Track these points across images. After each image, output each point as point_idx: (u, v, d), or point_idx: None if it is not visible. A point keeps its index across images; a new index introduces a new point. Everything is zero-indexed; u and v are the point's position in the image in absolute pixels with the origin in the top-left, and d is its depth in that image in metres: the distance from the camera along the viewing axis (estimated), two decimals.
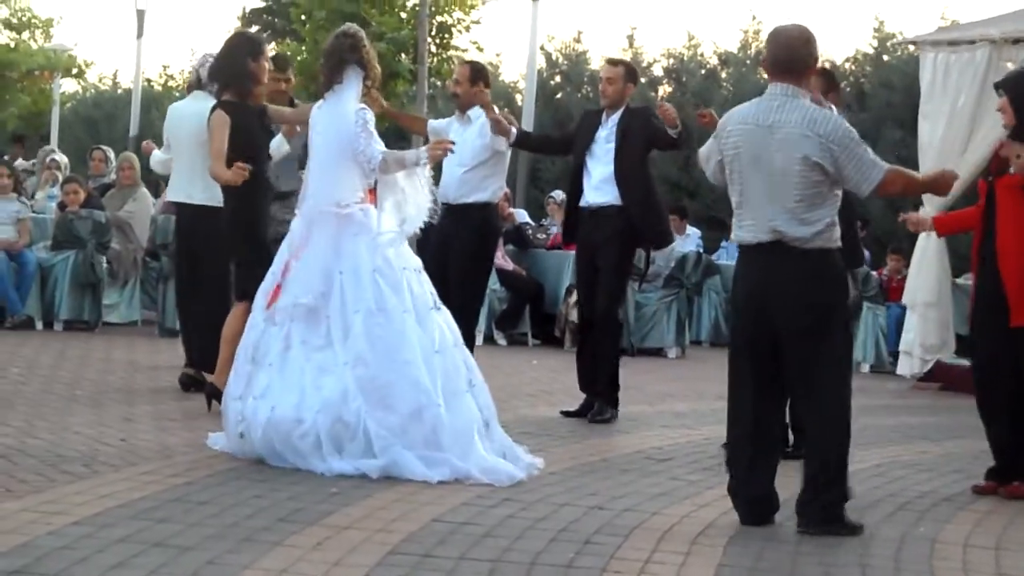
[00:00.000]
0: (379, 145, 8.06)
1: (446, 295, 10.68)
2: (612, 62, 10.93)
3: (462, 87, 10.69)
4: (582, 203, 10.44)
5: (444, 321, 7.93)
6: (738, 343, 6.92)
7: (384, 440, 7.46)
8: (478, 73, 10.81)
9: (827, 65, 26.47)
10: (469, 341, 10.98)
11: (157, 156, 11.36)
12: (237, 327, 9.08)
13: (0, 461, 7.20)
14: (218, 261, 10.45)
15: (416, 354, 7.65)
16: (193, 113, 10.45)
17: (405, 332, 7.69)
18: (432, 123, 11.23)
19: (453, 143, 8.73)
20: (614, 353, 10.41)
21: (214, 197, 10.13)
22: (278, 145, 10.17)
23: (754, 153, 6.64)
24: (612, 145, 10.29)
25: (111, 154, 17.19)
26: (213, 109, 9.41)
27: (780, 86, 6.69)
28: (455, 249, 10.53)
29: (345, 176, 8.07)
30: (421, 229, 8.31)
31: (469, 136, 10.44)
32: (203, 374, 10.24)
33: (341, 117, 8.12)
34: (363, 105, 8.15)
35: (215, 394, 9.03)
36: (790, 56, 6.70)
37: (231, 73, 9.43)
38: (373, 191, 8.17)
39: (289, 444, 7.51)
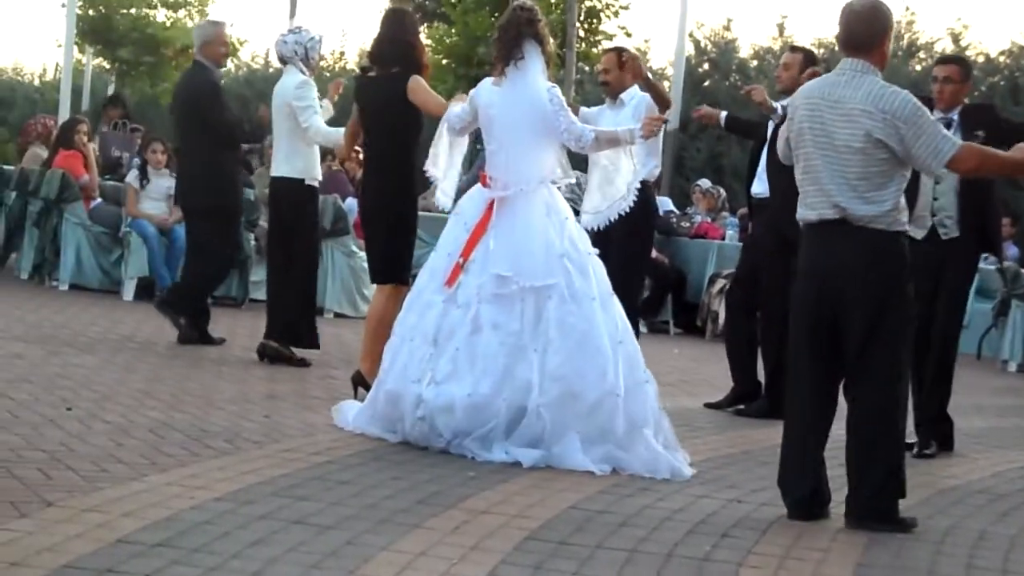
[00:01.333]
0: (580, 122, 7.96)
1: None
2: (792, 48, 10.95)
3: (612, 74, 10.72)
4: (752, 191, 10.52)
5: (620, 309, 7.84)
6: (799, 324, 6.70)
7: (560, 428, 7.39)
8: (622, 56, 10.85)
9: (980, 59, 26.04)
10: (635, 326, 11.07)
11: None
12: (384, 312, 9.07)
13: (148, 435, 7.33)
14: (308, 236, 10.64)
15: (605, 342, 7.57)
16: (280, 88, 10.66)
17: (594, 319, 7.61)
18: (584, 111, 11.23)
19: (667, 120, 8.61)
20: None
21: (296, 170, 10.42)
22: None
23: (818, 129, 6.51)
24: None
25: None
26: (395, 81, 9.13)
27: (850, 61, 6.54)
28: (614, 230, 10.59)
29: (539, 155, 7.94)
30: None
31: (623, 119, 10.42)
32: (289, 347, 10.46)
33: (530, 94, 7.95)
34: (553, 83, 8.04)
35: (362, 381, 8.98)
36: (860, 31, 6.56)
37: (400, 47, 9.23)
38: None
39: (470, 430, 7.43)
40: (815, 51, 11.39)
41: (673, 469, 7.46)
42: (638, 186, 8.33)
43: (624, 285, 10.78)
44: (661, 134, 10.77)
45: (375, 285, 9.55)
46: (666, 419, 7.80)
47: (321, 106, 10.66)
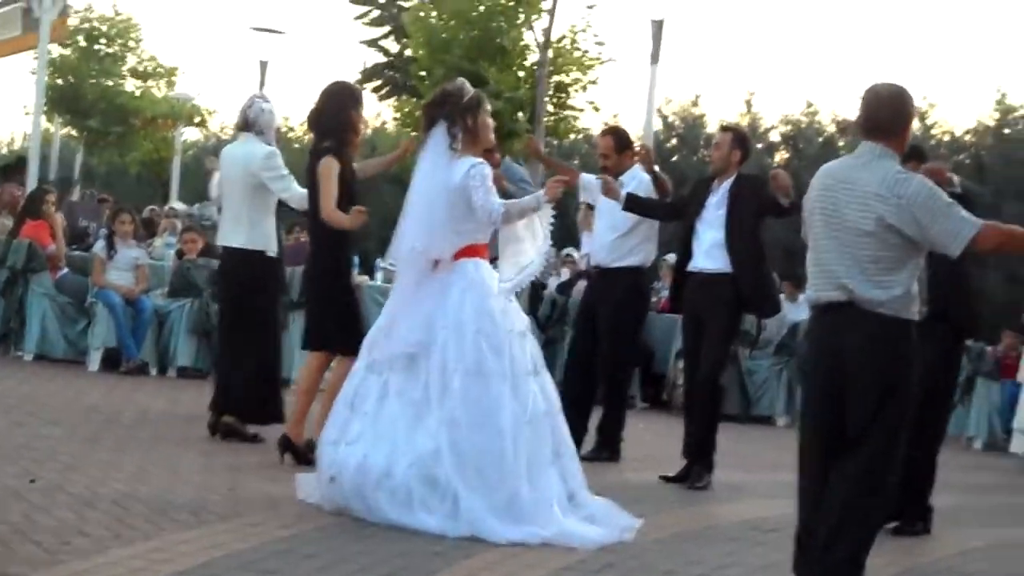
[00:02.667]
0: (495, 198, 8.05)
1: (593, 356, 10.93)
2: (723, 128, 11.01)
3: (611, 159, 10.92)
4: (690, 267, 10.43)
5: (540, 387, 7.87)
6: (806, 409, 6.67)
7: (470, 503, 7.43)
8: (622, 141, 11.03)
9: (947, 137, 26.31)
10: (621, 404, 11.15)
11: (215, 179, 11.23)
12: (312, 379, 9.33)
13: (112, 507, 7.28)
14: (264, 307, 10.53)
15: (507, 424, 7.62)
16: (239, 156, 10.40)
17: (500, 399, 7.67)
18: (584, 176, 11.36)
19: (568, 180, 8.67)
20: (713, 419, 10.36)
21: (257, 241, 10.29)
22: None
23: (830, 210, 6.45)
24: (723, 211, 10.27)
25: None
26: (315, 155, 9.42)
27: (869, 145, 6.49)
28: (605, 313, 10.79)
29: (448, 230, 8.00)
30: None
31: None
32: (243, 424, 10.31)
33: (439, 171, 8.05)
34: (480, 160, 8.15)
35: (288, 445, 9.22)
36: (884, 116, 6.52)
37: (334, 120, 9.45)
38: (484, 246, 8.16)
39: (378, 494, 7.52)
40: (744, 130, 11.49)
41: (594, 539, 7.47)
42: (546, 253, 8.26)
43: (613, 366, 10.98)
44: (657, 224, 10.97)
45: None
46: (583, 495, 7.83)
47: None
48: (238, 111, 10.66)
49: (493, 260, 8.18)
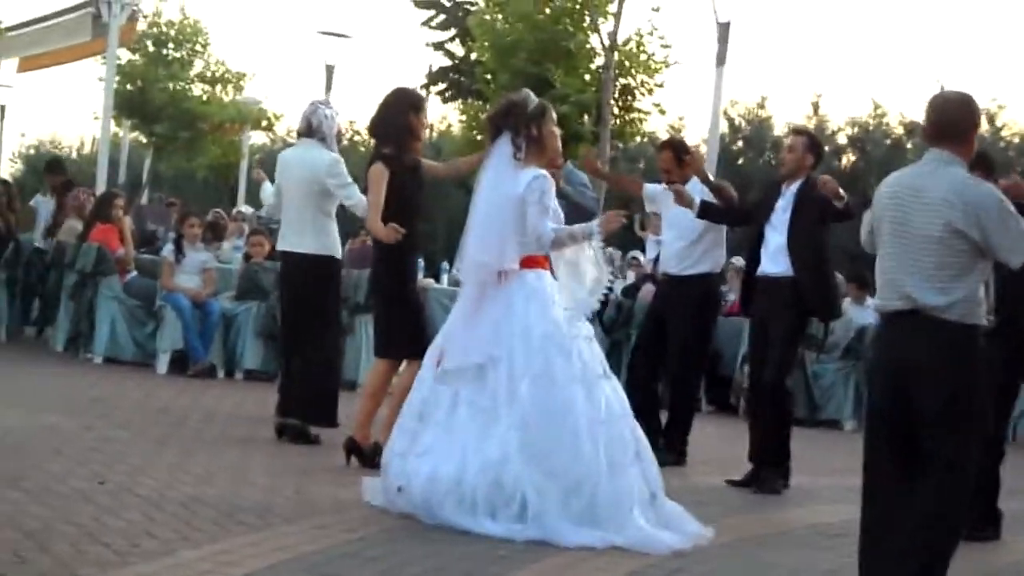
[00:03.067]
0: (549, 220, 8.03)
1: (659, 361, 10.92)
2: (795, 130, 10.95)
3: (672, 173, 10.90)
4: (758, 272, 10.40)
5: (612, 389, 7.88)
6: (873, 416, 6.58)
7: (539, 507, 7.43)
8: (680, 152, 11.00)
9: (1016, 139, 26.08)
10: (689, 408, 11.15)
11: (267, 189, 11.19)
12: (379, 383, 9.34)
13: (180, 509, 7.33)
14: (328, 310, 10.55)
15: (580, 423, 7.62)
16: (302, 161, 10.43)
17: (571, 400, 7.66)
18: (648, 187, 11.40)
19: (626, 215, 8.64)
20: (783, 423, 10.31)
21: (323, 246, 10.33)
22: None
23: (898, 218, 6.40)
24: (788, 215, 10.23)
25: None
26: (371, 162, 9.48)
27: (936, 152, 6.44)
28: (675, 320, 10.79)
29: (511, 240, 8.02)
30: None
31: (684, 211, 10.55)
32: (305, 424, 10.32)
33: (501, 182, 8.08)
34: (542, 172, 8.12)
35: (355, 448, 9.25)
36: (947, 122, 6.47)
37: (392, 127, 9.49)
38: (546, 256, 8.15)
39: (446, 502, 7.52)
40: (814, 133, 11.40)
41: (669, 544, 7.46)
42: (607, 286, 8.24)
43: (682, 371, 10.98)
44: (725, 230, 10.95)
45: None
46: (661, 498, 7.80)
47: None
48: (300, 116, 10.71)
49: None
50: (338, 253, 10.56)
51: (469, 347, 7.87)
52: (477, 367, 7.80)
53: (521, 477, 7.48)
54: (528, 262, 8.03)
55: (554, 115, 8.34)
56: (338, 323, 10.91)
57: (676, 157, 11.04)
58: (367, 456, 9.16)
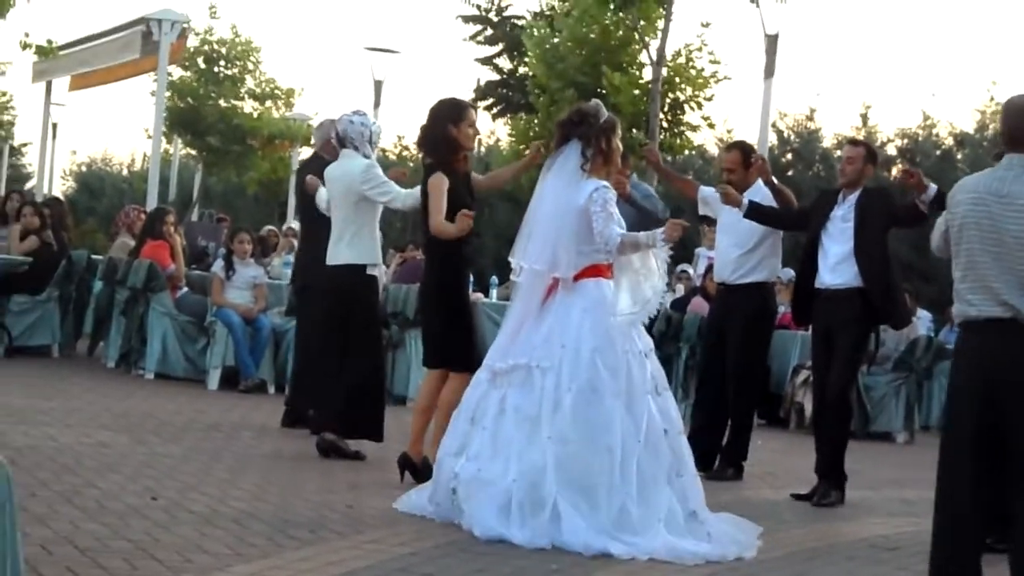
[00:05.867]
0: (615, 226, 8.06)
1: (722, 374, 10.90)
2: (853, 142, 10.95)
3: (736, 173, 10.90)
4: (817, 283, 10.30)
5: (661, 407, 7.86)
6: (957, 426, 6.45)
7: (571, 523, 7.43)
8: (748, 155, 11.00)
9: None
10: (748, 422, 11.11)
11: (322, 193, 11.15)
12: (432, 397, 9.28)
13: (231, 524, 7.36)
14: (372, 323, 10.54)
15: (616, 440, 7.62)
16: (343, 173, 10.43)
17: (611, 417, 7.67)
18: (703, 190, 11.40)
19: (689, 225, 8.63)
20: (842, 437, 10.27)
21: (359, 256, 10.33)
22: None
23: (984, 224, 6.28)
24: (850, 224, 10.16)
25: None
26: (430, 172, 9.45)
27: (1017, 157, 6.34)
28: (733, 329, 10.77)
29: (569, 249, 8.04)
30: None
31: (743, 217, 10.54)
32: (344, 440, 10.28)
33: (567, 188, 8.11)
34: (605, 183, 8.15)
35: (408, 463, 9.21)
36: (1022, 126, 6.39)
37: (434, 139, 9.47)
38: (608, 265, 8.16)
39: (483, 502, 7.56)
40: (871, 144, 11.34)
41: (702, 556, 7.43)
42: (664, 290, 8.24)
43: (741, 382, 10.97)
44: (781, 234, 10.92)
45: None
46: (704, 514, 7.78)
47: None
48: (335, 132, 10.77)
49: None
50: (375, 263, 10.53)
51: (515, 349, 7.92)
52: (526, 371, 7.82)
53: (555, 491, 7.50)
54: (590, 271, 8.05)
55: (620, 131, 8.38)
56: (379, 335, 10.84)
57: (744, 158, 11.00)
58: (420, 471, 9.15)
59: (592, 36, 24.94)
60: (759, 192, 10.76)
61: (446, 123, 9.44)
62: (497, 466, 7.65)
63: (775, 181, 10.79)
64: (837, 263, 10.17)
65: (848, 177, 10.34)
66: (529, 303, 8.10)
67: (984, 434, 6.30)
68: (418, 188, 10.04)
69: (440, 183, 9.31)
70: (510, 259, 8.46)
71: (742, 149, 11.27)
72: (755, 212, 10.61)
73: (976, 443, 6.32)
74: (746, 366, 10.99)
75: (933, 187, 9.87)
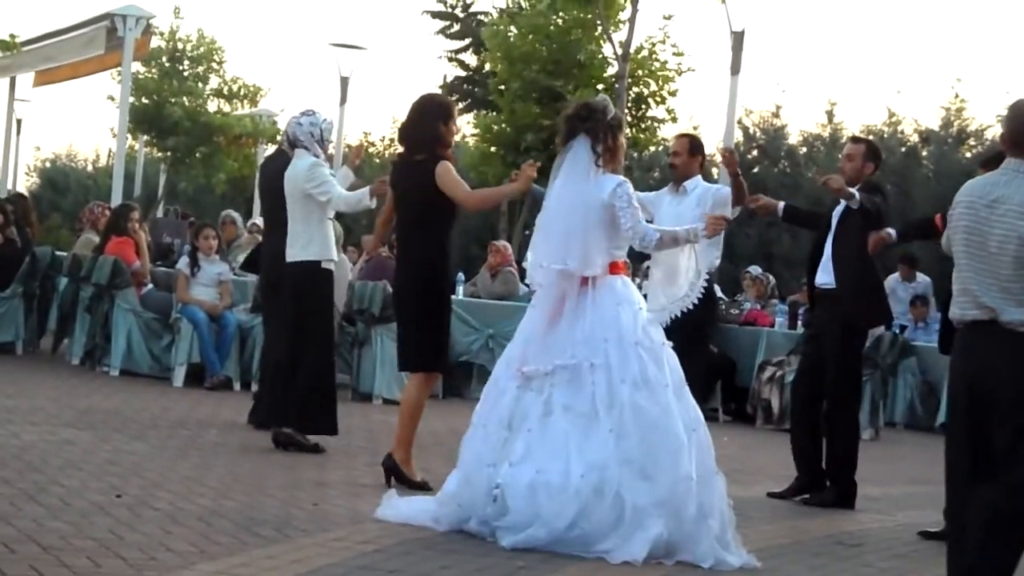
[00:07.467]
0: (645, 222, 8.05)
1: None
2: (855, 139, 10.94)
3: (681, 158, 10.87)
4: (816, 282, 10.35)
5: (692, 399, 7.86)
6: (953, 423, 6.50)
7: (640, 513, 7.37)
8: (696, 146, 10.97)
9: None
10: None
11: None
12: (416, 400, 9.18)
13: (196, 522, 7.33)
14: (326, 318, 10.64)
15: (680, 429, 7.59)
16: (290, 173, 10.62)
17: (669, 407, 7.63)
18: (640, 196, 11.31)
19: (730, 219, 8.58)
20: (844, 441, 10.21)
21: (310, 253, 10.45)
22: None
23: (972, 228, 6.31)
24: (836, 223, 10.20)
25: (238, 219, 18.13)
26: (424, 166, 9.21)
27: (1015, 161, 6.34)
28: (673, 319, 10.72)
29: (600, 246, 7.98)
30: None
31: (685, 208, 10.53)
32: (303, 434, 10.35)
33: (583, 185, 8.02)
34: (624, 179, 8.11)
35: (394, 468, 9.06)
36: (1022, 130, 6.37)
37: (423, 135, 9.33)
38: (625, 263, 8.14)
39: (553, 508, 7.40)
40: (873, 142, 11.21)
41: (724, 564, 7.41)
42: (704, 283, 8.24)
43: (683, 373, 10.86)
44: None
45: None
46: (731, 515, 7.73)
47: (332, 174, 10.71)
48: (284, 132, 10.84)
49: None
50: (327, 260, 10.61)
51: (554, 350, 7.79)
52: (570, 371, 7.70)
53: (620, 485, 7.42)
54: (612, 268, 8.01)
55: (625, 128, 8.40)
56: (330, 330, 10.88)
57: (691, 148, 10.97)
58: (407, 476, 9.05)
59: (552, 28, 24.96)
60: (699, 186, 10.76)
61: (436, 121, 9.36)
62: (556, 467, 7.48)
63: (739, 173, 10.74)
64: (824, 262, 10.20)
65: (847, 175, 10.23)
66: (556, 303, 7.94)
67: (977, 433, 6.31)
68: (361, 191, 10.22)
69: (450, 168, 9.21)
70: (524, 264, 8.42)
71: (691, 139, 11.30)
72: (793, 215, 10.71)
73: (971, 442, 6.33)
74: (686, 355, 10.75)
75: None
